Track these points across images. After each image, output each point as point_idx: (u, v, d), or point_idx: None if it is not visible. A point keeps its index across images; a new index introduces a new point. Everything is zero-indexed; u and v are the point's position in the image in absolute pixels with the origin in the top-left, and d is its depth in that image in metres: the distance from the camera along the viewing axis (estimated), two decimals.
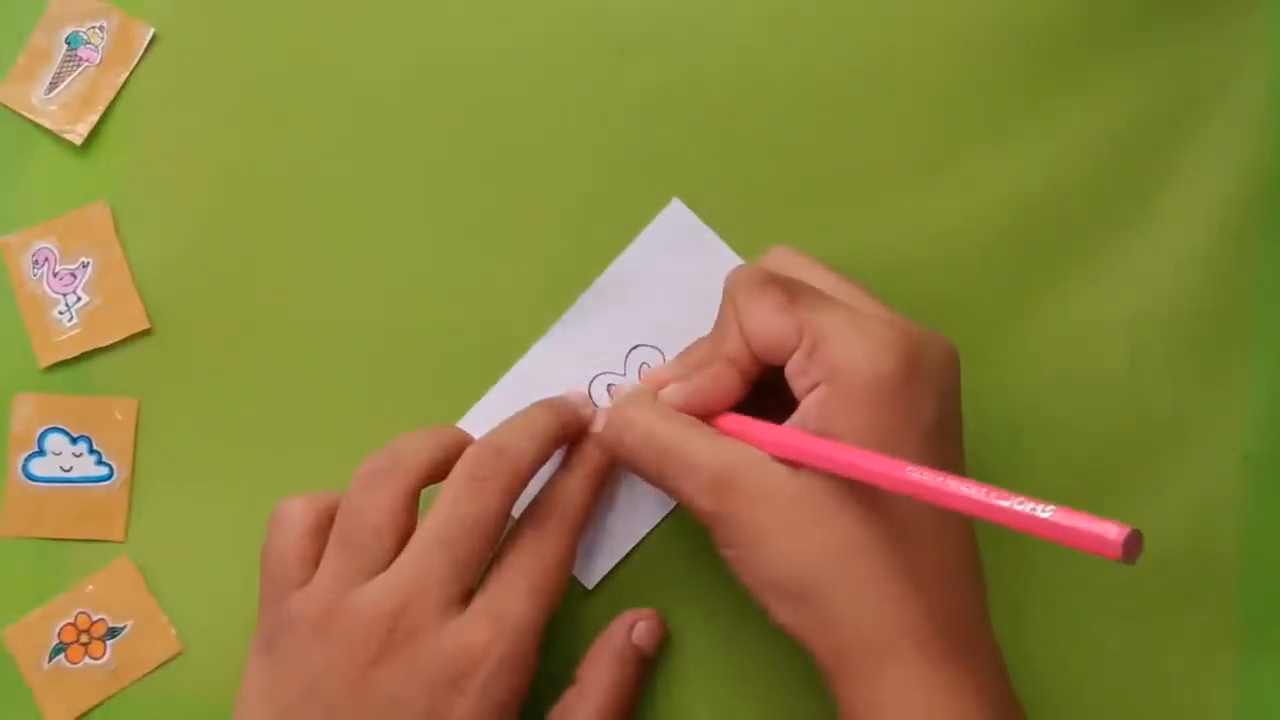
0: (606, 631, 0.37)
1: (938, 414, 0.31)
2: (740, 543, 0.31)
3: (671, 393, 0.34)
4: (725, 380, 0.34)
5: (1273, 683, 0.37)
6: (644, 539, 0.38)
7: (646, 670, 0.37)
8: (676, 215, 0.39)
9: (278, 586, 0.33)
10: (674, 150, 0.39)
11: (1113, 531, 0.23)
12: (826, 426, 0.30)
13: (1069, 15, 0.39)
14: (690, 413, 0.34)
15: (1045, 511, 0.24)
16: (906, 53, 0.40)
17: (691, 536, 0.38)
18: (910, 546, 0.30)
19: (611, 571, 0.38)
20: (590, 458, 0.36)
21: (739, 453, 0.32)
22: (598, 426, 0.37)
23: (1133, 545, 0.23)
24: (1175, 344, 0.38)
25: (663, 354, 0.39)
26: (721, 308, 0.35)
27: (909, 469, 0.28)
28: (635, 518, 0.38)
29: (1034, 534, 0.24)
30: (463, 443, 0.35)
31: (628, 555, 0.38)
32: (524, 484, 0.34)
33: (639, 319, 0.39)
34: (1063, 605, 0.38)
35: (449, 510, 0.32)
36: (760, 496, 0.31)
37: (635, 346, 0.39)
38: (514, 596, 0.32)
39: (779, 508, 0.31)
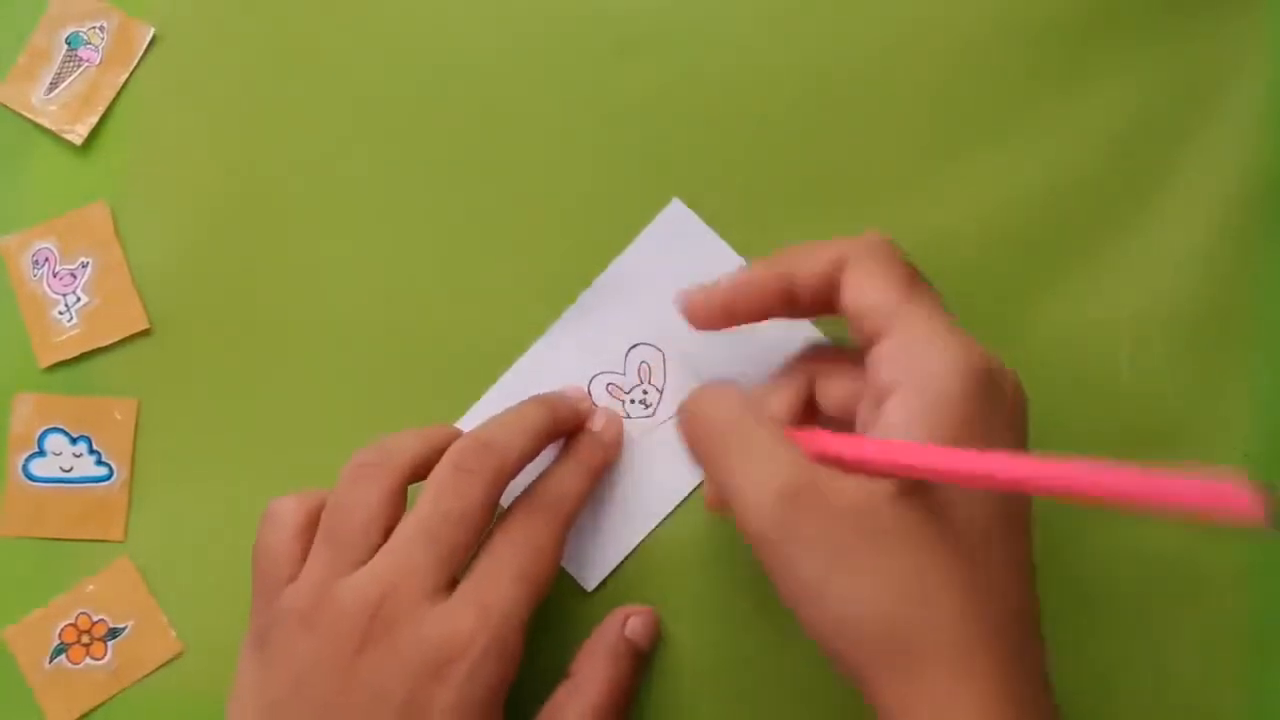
0: (600, 627, 0.36)
1: (1013, 443, 0.30)
2: (809, 564, 0.29)
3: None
4: (765, 283, 0.32)
5: (1278, 683, 0.37)
6: (643, 541, 0.38)
7: (641, 665, 0.37)
8: (677, 215, 0.39)
9: (268, 584, 0.33)
10: (674, 150, 0.39)
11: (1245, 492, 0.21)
12: (914, 433, 0.29)
13: (1069, 15, 0.39)
14: (716, 305, 0.33)
15: (1174, 476, 0.23)
16: (906, 53, 0.40)
17: (691, 540, 0.38)
18: (990, 571, 0.29)
19: (610, 574, 0.38)
20: (585, 451, 0.36)
21: (815, 464, 0.30)
22: (596, 425, 0.37)
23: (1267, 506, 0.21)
24: (1175, 344, 0.38)
25: (663, 353, 0.39)
26: (819, 247, 0.33)
27: (1026, 461, 0.26)
28: (635, 520, 0.38)
29: (1157, 505, 0.23)
30: (452, 440, 0.34)
31: (627, 558, 0.38)
32: (509, 477, 0.33)
33: (639, 318, 0.39)
34: (1066, 607, 0.38)
35: (432, 504, 0.32)
36: (840, 510, 0.29)
37: (635, 345, 0.39)
38: (500, 585, 0.32)
39: (863, 524, 0.28)
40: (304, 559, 0.33)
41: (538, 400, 0.36)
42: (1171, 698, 0.37)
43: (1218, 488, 0.22)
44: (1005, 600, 0.29)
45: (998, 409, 0.30)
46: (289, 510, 0.33)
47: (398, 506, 0.33)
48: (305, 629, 0.31)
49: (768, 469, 0.30)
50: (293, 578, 0.32)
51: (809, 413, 0.34)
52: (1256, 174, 0.39)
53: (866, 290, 0.31)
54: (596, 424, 0.37)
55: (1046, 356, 0.38)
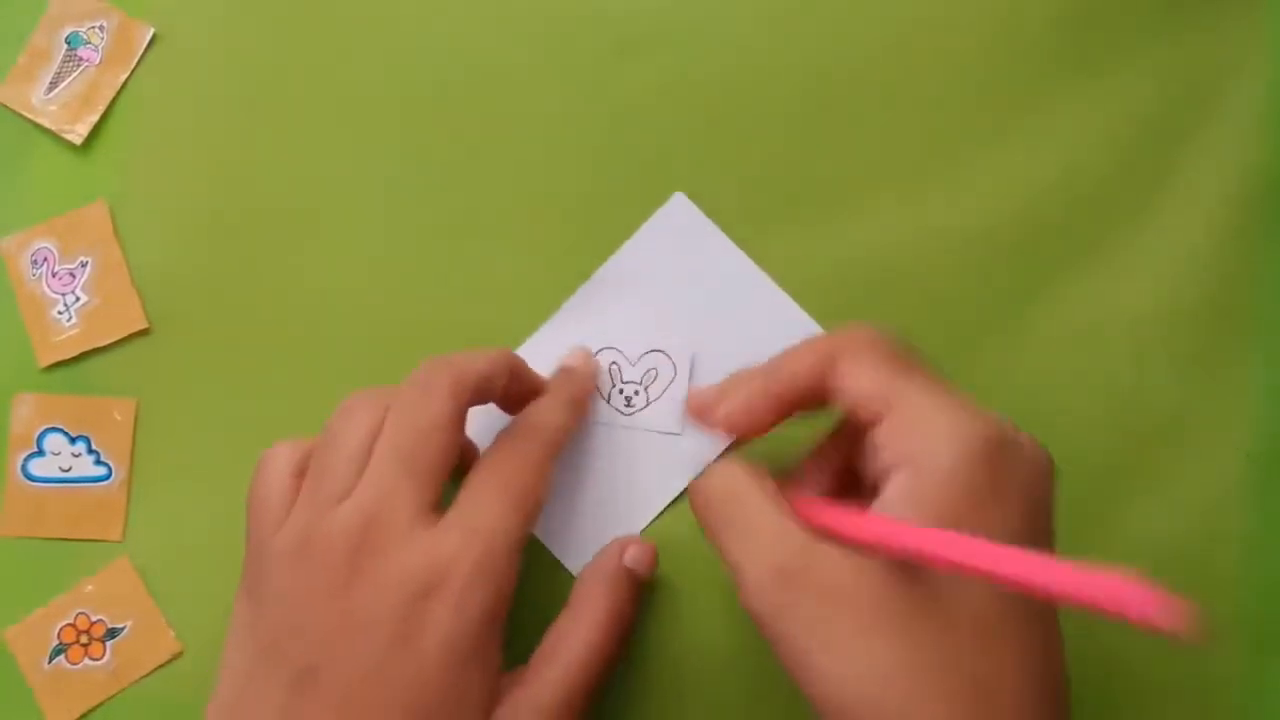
0: (597, 557, 0.36)
1: (1022, 524, 0.29)
2: (798, 640, 0.29)
3: (704, 394, 0.34)
4: (759, 407, 0.33)
5: (1279, 683, 0.37)
6: (643, 530, 0.38)
7: (639, 593, 0.36)
8: (679, 209, 0.39)
9: (261, 529, 0.32)
10: (676, 148, 0.39)
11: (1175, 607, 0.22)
12: (910, 514, 0.28)
13: (1069, 16, 0.39)
14: (720, 426, 0.33)
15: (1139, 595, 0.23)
16: (907, 52, 0.40)
17: (687, 533, 0.38)
18: (990, 660, 0.28)
19: None
20: (562, 384, 0.36)
21: (811, 543, 0.30)
22: (569, 363, 0.37)
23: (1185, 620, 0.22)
24: (1176, 343, 0.38)
25: (670, 357, 0.38)
26: (806, 346, 0.33)
27: (1007, 552, 0.25)
28: (631, 515, 0.38)
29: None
30: None
31: None
32: (472, 391, 0.33)
33: (639, 311, 0.39)
34: (1062, 607, 0.38)
35: (398, 420, 0.32)
36: (831, 591, 0.29)
37: (651, 350, 0.39)
38: (485, 507, 0.32)
39: (852, 606, 0.28)
40: (295, 501, 0.32)
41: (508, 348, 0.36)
42: (1167, 698, 0.37)
43: (1140, 594, 0.22)
44: (1012, 694, 0.28)
45: (1007, 477, 0.29)
46: (282, 455, 0.33)
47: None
48: (294, 568, 0.31)
49: (764, 547, 0.30)
50: (283, 520, 0.32)
51: (846, 482, 0.33)
52: (1256, 174, 0.39)
53: (859, 379, 0.31)
54: (569, 361, 0.37)
55: (1046, 356, 0.38)
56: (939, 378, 0.31)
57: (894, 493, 0.29)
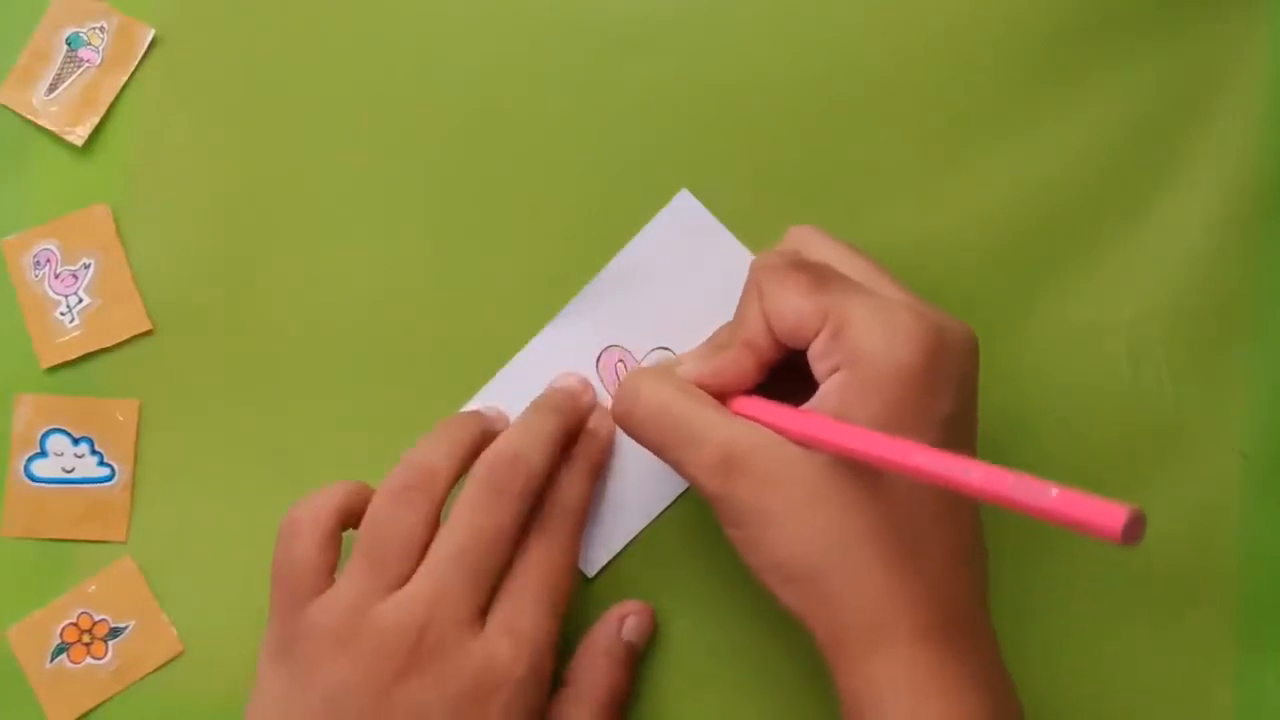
0: (596, 629, 0.37)
1: (955, 405, 0.31)
2: (745, 524, 0.31)
3: (686, 369, 0.34)
4: (741, 363, 0.34)
5: (1273, 682, 0.38)
6: (645, 529, 0.38)
7: (637, 663, 0.37)
8: (684, 206, 0.39)
9: (293, 594, 0.33)
10: (680, 147, 0.39)
11: (1115, 514, 0.23)
12: (842, 410, 0.30)
13: (1070, 16, 0.39)
14: (705, 391, 0.34)
15: (1050, 494, 0.24)
16: (910, 53, 0.40)
17: (692, 526, 0.38)
18: (913, 532, 0.31)
19: (611, 560, 0.38)
20: (587, 454, 0.37)
21: (750, 433, 0.32)
22: (591, 424, 0.38)
23: (1135, 528, 0.23)
24: (1175, 344, 0.39)
25: (675, 355, 0.39)
26: (745, 291, 0.35)
27: (917, 451, 0.27)
28: (637, 508, 0.38)
29: (1039, 517, 0.24)
30: (476, 436, 0.35)
31: (628, 545, 0.38)
32: (536, 494, 0.34)
33: (645, 308, 0.39)
34: (1063, 605, 0.38)
35: (467, 521, 0.33)
36: (768, 478, 0.31)
37: (647, 339, 0.39)
38: (530, 610, 0.33)
39: (786, 491, 0.31)
40: (329, 569, 0.33)
41: (548, 407, 0.36)
42: (1163, 697, 0.38)
43: (1099, 506, 0.23)
44: (943, 578, 0.31)
45: (939, 363, 0.31)
46: (310, 518, 0.33)
47: (436, 527, 0.33)
48: (340, 648, 0.31)
49: (699, 444, 0.32)
50: (318, 589, 0.32)
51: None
52: (1256, 174, 0.39)
53: (783, 314, 0.32)
54: (591, 422, 0.38)
55: (1046, 356, 0.39)
56: (856, 286, 0.33)
57: (831, 387, 0.31)
